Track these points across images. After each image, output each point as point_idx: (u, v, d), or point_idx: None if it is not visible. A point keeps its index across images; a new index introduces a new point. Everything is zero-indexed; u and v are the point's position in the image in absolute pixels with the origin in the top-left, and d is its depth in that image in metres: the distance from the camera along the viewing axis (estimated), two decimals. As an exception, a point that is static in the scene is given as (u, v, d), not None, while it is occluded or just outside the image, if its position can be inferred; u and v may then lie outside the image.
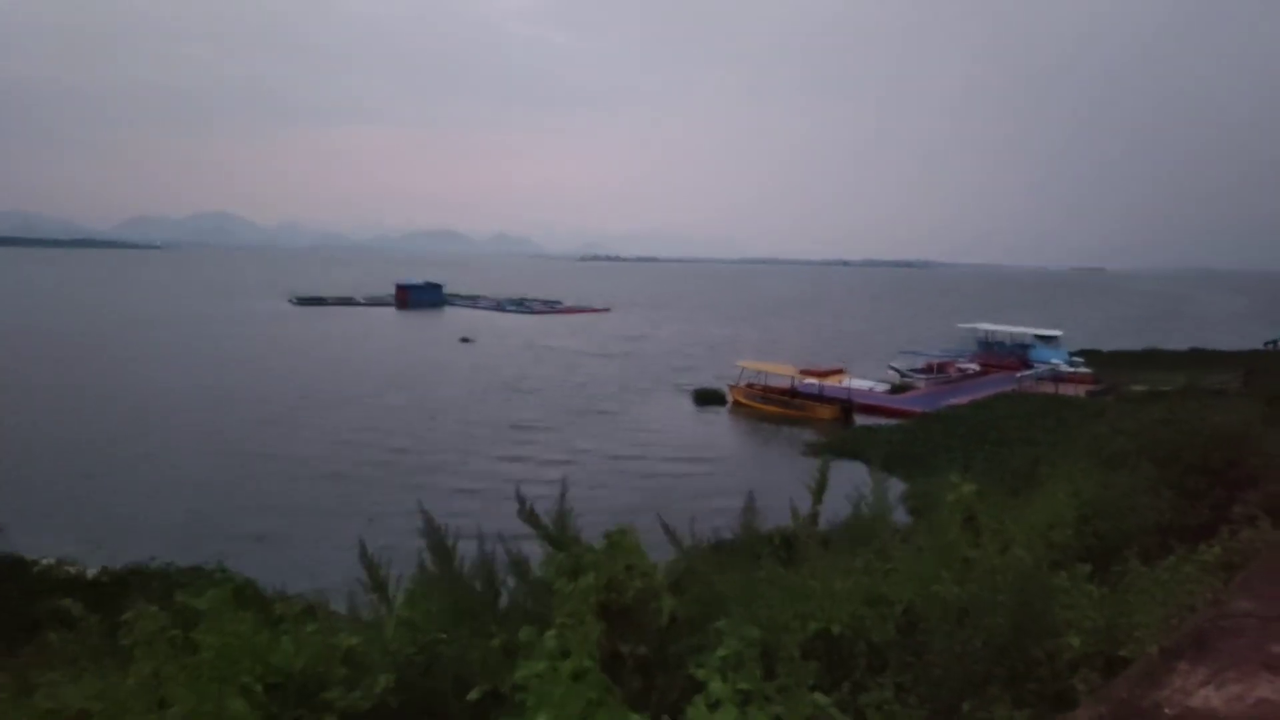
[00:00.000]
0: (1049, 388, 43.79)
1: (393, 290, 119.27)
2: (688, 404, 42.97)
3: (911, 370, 51.47)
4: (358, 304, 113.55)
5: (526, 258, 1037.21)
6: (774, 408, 40.51)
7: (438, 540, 3.84)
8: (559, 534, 4.09)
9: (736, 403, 42.36)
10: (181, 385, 43.55)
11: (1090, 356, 57.59)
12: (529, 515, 4.15)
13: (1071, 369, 49.75)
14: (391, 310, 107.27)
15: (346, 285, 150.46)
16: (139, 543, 19.75)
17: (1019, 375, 47.27)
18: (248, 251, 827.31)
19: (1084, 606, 3.42)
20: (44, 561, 17.70)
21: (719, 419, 40.07)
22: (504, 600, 3.99)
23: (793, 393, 41.45)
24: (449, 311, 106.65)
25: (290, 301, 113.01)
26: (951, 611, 3.24)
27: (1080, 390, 42.69)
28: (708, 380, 46.90)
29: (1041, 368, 49.88)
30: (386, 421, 35.64)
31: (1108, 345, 67.31)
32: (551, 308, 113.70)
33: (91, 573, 16.99)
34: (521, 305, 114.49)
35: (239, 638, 2.90)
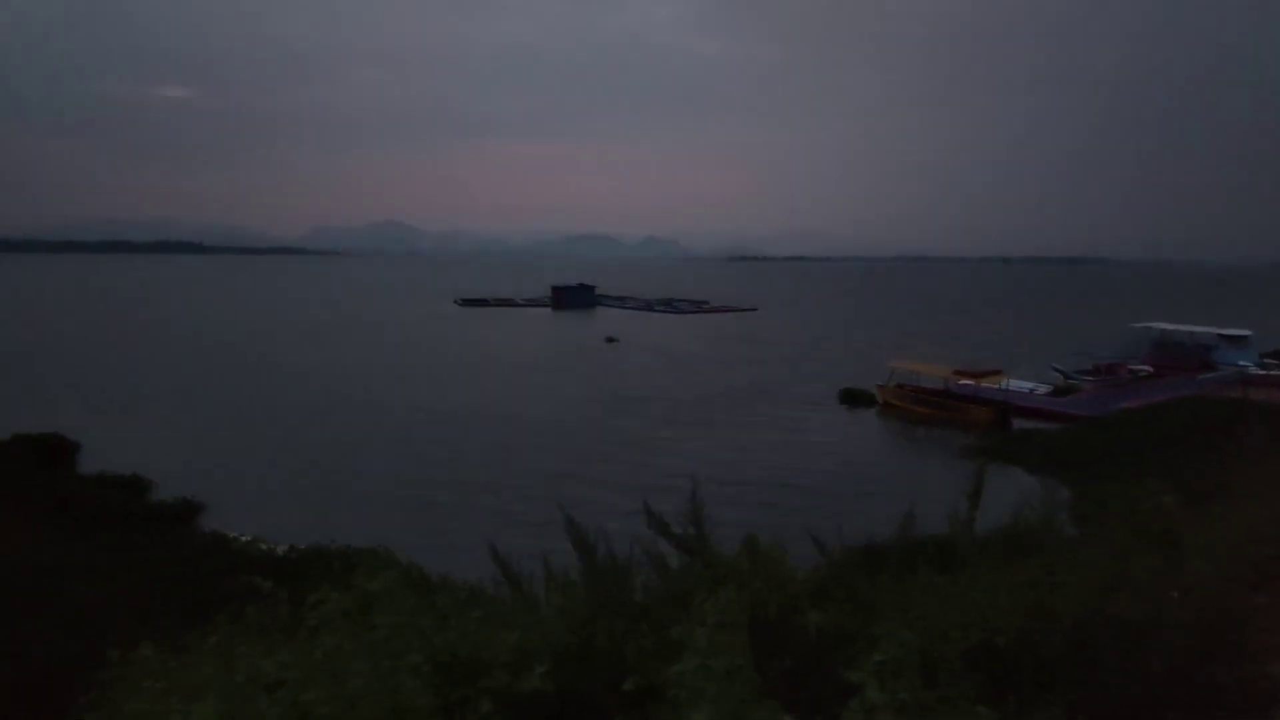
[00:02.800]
0: (1236, 392, 40.18)
1: (548, 292, 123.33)
2: (834, 404, 42.09)
3: (1077, 372, 48.43)
4: (517, 305, 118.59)
5: (675, 259, 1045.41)
6: (926, 409, 39.11)
7: (579, 538, 3.96)
8: (693, 541, 4.10)
9: (886, 404, 41.14)
10: (365, 386, 46.33)
11: (1287, 359, 52.37)
12: (660, 526, 4.18)
13: (1263, 372, 45.45)
14: (547, 311, 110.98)
15: (506, 288, 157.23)
16: (320, 524, 21.35)
17: (1200, 378, 43.60)
18: (417, 257, 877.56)
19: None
20: (242, 539, 19.55)
21: (867, 420, 39.06)
22: (643, 596, 4.04)
23: (946, 394, 39.87)
24: (600, 312, 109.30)
25: (455, 303, 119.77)
26: (1128, 629, 3.03)
27: (1275, 396, 38.94)
28: (855, 380, 45.75)
29: (1227, 370, 45.81)
30: (536, 424, 36.63)
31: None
32: (699, 307, 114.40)
33: (281, 550, 18.59)
34: (669, 305, 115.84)
35: (410, 619, 3.09)
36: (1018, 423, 36.42)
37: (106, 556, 17.53)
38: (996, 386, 39.70)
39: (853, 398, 42.54)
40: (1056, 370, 49.47)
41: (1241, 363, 47.44)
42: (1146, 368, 50.43)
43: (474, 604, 4.16)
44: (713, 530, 4.12)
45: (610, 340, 70.31)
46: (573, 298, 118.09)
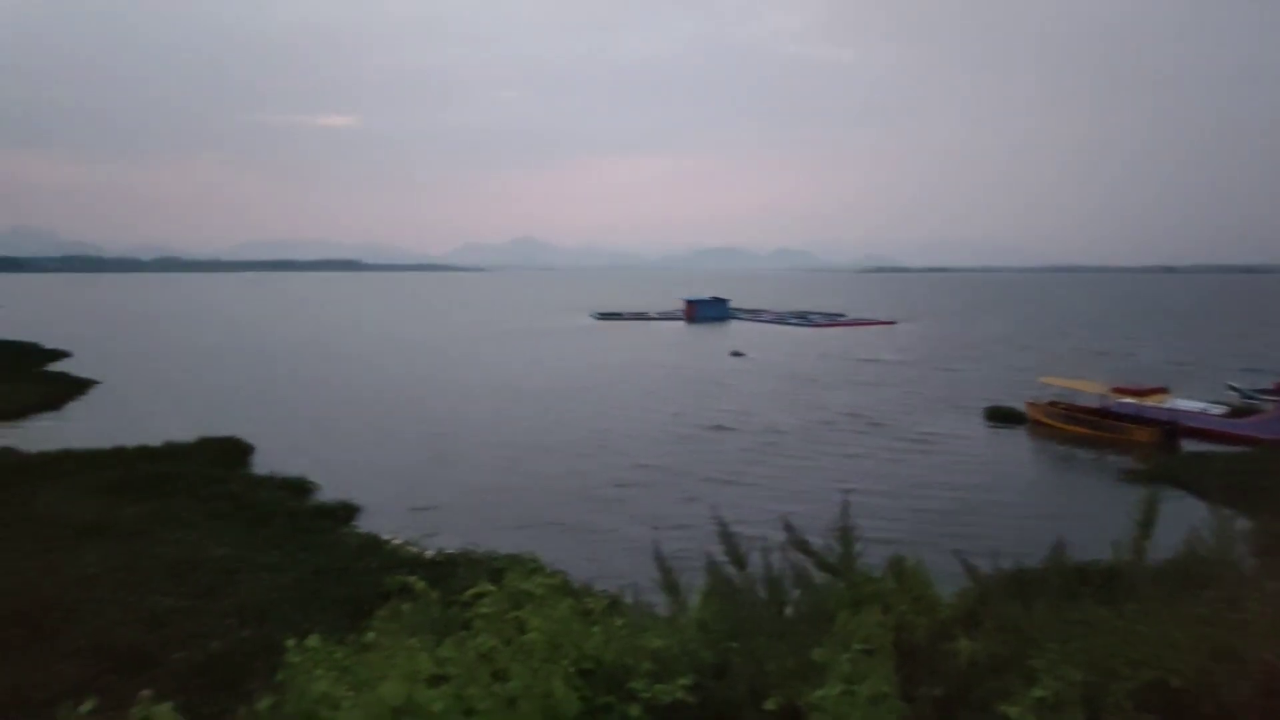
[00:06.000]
0: None
1: (682, 306, 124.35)
2: (980, 422, 40.30)
3: (1256, 390, 44.55)
4: (651, 319, 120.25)
5: (807, 271, 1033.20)
6: (1081, 429, 36.92)
7: (733, 549, 3.96)
8: (838, 561, 4.04)
9: (1037, 422, 39.08)
10: (514, 400, 47.57)
11: None
12: (800, 544, 4.12)
13: None
14: (680, 324, 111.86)
15: (641, 302, 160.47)
16: (462, 529, 22.27)
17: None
18: (554, 272, 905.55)
19: None
20: (394, 541, 20.72)
21: (1016, 439, 37.20)
22: (789, 613, 4.01)
23: (1104, 413, 37.53)
24: (733, 325, 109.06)
25: (592, 317, 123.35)
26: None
27: None
28: (1003, 397, 43.72)
29: None
30: (661, 442, 36.77)
31: None
32: (833, 320, 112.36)
33: (429, 553, 19.60)
34: (804, 318, 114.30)
35: (561, 624, 3.21)
36: (1186, 445, 33.90)
37: (276, 552, 18.94)
38: (1161, 405, 37.06)
39: (1001, 415, 40.61)
40: (1232, 389, 45.68)
41: None
42: (1336, 387, 45.96)
43: (615, 612, 4.26)
44: (856, 548, 4.05)
45: (736, 354, 69.88)
46: (705, 311, 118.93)
